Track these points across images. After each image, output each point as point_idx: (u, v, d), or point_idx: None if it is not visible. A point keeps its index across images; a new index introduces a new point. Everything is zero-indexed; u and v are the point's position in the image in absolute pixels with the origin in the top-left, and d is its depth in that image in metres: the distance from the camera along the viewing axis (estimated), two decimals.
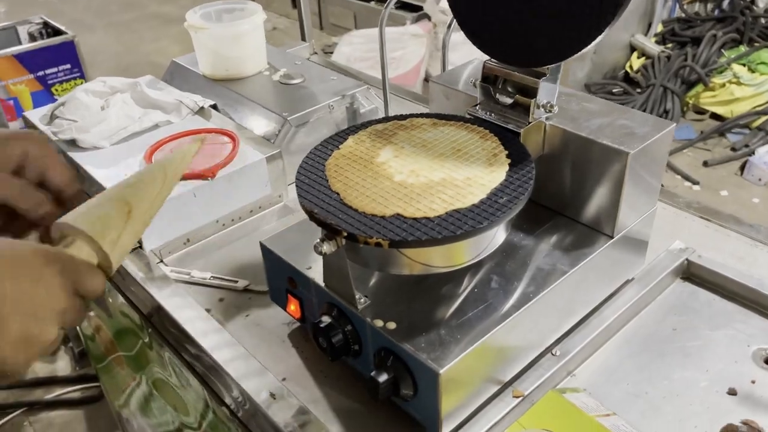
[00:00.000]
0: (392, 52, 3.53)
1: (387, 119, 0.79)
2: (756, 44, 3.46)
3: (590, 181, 0.75)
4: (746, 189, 2.92)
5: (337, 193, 0.67)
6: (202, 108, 1.13)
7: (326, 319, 0.70)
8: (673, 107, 3.31)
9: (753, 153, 3.03)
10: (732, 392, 0.73)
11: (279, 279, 0.78)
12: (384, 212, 0.63)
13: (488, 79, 0.78)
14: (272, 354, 0.79)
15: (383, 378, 0.64)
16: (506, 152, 0.70)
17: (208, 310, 0.86)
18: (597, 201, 0.75)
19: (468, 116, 0.78)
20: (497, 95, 0.77)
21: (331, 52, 3.86)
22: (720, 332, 0.81)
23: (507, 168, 0.68)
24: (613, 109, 0.78)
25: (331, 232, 0.63)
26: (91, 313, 1.32)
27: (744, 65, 3.35)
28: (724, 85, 3.35)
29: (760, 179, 2.93)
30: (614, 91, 3.54)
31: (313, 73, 1.23)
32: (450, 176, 0.67)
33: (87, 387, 2.03)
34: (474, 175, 0.67)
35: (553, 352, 0.76)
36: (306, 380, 0.76)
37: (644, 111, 3.31)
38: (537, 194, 0.77)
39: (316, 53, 1.58)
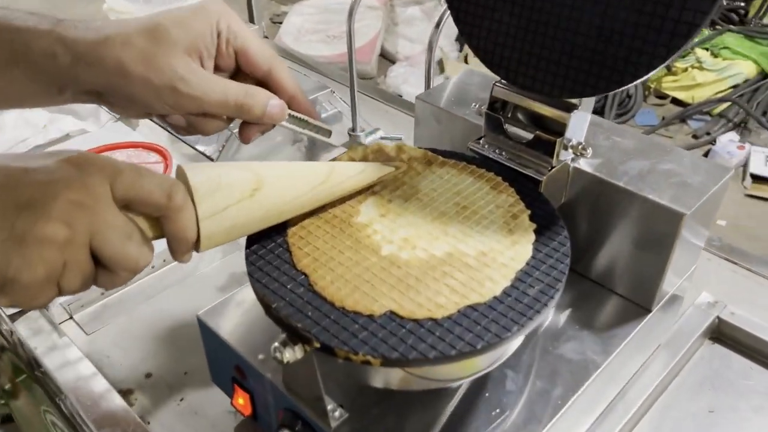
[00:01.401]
0: (344, 24, 3.30)
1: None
2: (718, 27, 3.38)
3: (625, 242, 0.59)
4: None
5: (305, 274, 0.48)
6: None
7: None
8: (636, 92, 3.21)
9: (714, 141, 2.97)
10: None
11: (223, 364, 0.60)
12: (371, 309, 0.45)
13: (497, 106, 0.60)
14: None
15: None
16: (528, 212, 0.53)
17: (129, 392, 0.67)
18: (632, 266, 0.59)
19: (470, 154, 0.61)
20: (508, 127, 0.60)
21: (280, 22, 3.59)
22: (764, 415, 0.67)
23: (533, 237, 0.51)
24: (651, 147, 0.61)
25: (297, 337, 0.45)
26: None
27: (707, 50, 3.27)
28: (686, 69, 3.27)
29: None
30: None
31: None
32: (457, 249, 0.49)
33: None
34: (490, 249, 0.49)
35: None
36: None
37: (606, 95, 3.21)
38: None
39: (266, 37, 1.37)
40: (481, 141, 0.61)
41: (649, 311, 0.60)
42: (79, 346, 0.71)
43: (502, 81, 0.59)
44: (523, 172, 0.57)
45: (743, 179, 2.80)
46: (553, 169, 0.57)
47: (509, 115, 0.60)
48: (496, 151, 0.60)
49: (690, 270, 0.65)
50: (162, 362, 0.70)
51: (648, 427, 0.66)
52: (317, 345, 0.43)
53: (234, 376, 0.59)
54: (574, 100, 0.55)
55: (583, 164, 0.59)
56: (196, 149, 0.88)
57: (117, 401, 0.64)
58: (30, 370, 0.76)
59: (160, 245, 0.44)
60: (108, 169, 0.40)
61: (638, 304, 0.61)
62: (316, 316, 0.45)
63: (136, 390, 0.68)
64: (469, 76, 0.73)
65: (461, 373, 0.48)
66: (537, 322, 0.45)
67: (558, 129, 0.56)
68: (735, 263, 0.83)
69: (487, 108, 0.60)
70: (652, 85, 3.32)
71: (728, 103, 3.10)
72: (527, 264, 0.48)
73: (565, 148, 0.56)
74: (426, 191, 0.55)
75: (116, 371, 0.69)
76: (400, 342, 0.43)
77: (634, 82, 0.49)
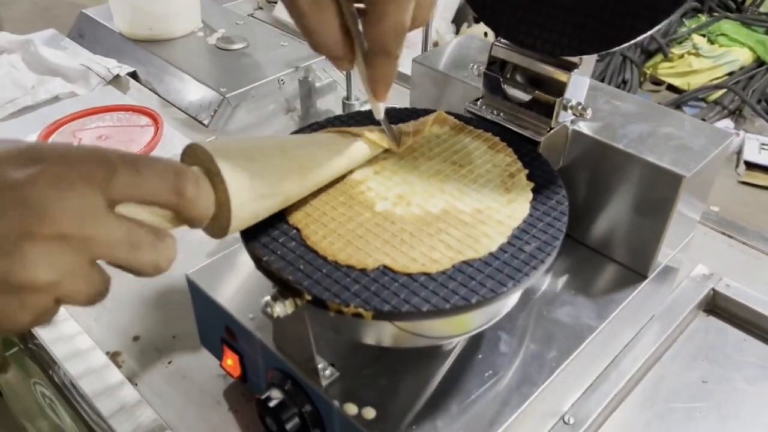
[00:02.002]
0: None
1: (356, 115, 0.59)
2: (716, 14, 3.37)
3: (622, 206, 0.58)
4: None
5: (297, 229, 0.47)
6: (117, 76, 0.90)
7: (276, 395, 0.51)
8: (632, 77, 3.20)
9: None
10: None
11: (212, 325, 0.59)
12: (365, 263, 0.44)
13: (496, 66, 0.59)
14: (202, 420, 0.60)
15: None
16: (526, 171, 0.52)
17: (116, 354, 0.66)
18: (629, 231, 0.59)
19: (468, 114, 0.60)
20: (506, 88, 0.59)
21: (275, 2, 3.56)
22: (758, 386, 0.67)
23: (530, 195, 0.50)
24: (652, 111, 0.60)
25: (288, 291, 0.44)
26: None
27: (704, 36, 3.26)
28: (682, 56, 3.26)
29: None
30: None
31: (258, 36, 1.01)
32: (453, 206, 0.48)
33: None
34: (486, 207, 0.48)
35: (566, 419, 0.60)
36: None
37: (603, 80, 3.20)
38: None
39: (260, 8, 1.34)
40: (478, 102, 0.60)
41: (645, 278, 0.59)
42: (65, 308, 0.70)
43: (502, 40, 0.58)
44: (521, 132, 0.56)
45: (737, 166, 2.80)
46: (552, 131, 0.56)
47: (508, 76, 0.59)
48: (494, 112, 0.59)
49: (686, 240, 0.64)
50: (150, 326, 0.69)
51: (642, 396, 0.66)
52: (308, 298, 0.42)
53: (223, 337, 0.58)
54: (574, 59, 0.54)
55: (583, 127, 0.58)
56: (187, 113, 0.86)
57: (98, 356, 0.63)
58: (22, 342, 0.74)
59: None
60: (98, 175, 0.33)
61: (634, 271, 0.60)
62: (307, 269, 0.44)
63: (123, 352, 0.66)
64: (468, 40, 0.72)
65: (455, 331, 0.47)
66: (533, 279, 0.44)
67: (557, 89, 0.55)
68: (731, 237, 0.82)
69: (486, 68, 0.59)
70: (648, 71, 3.31)
71: (724, 90, 3.09)
72: (524, 221, 0.47)
73: (565, 108, 0.55)
74: (422, 150, 0.54)
75: (104, 334, 0.68)
76: (393, 295, 0.42)
77: (638, 38, 0.48)
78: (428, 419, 0.47)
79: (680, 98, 3.17)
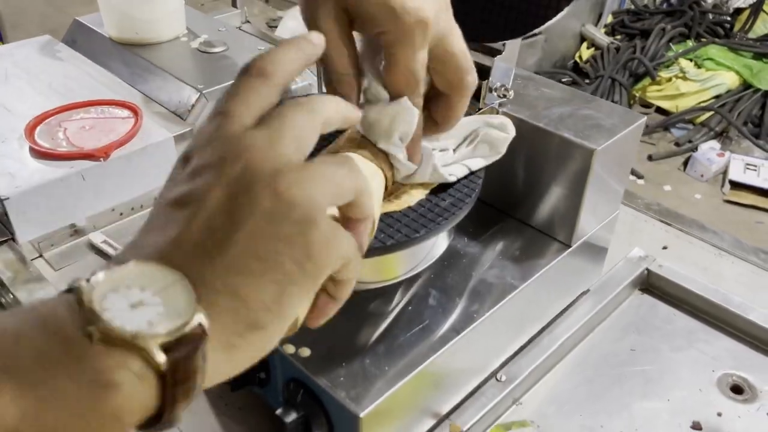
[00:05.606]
0: None
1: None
2: (703, 40, 3.46)
3: (546, 180, 0.64)
4: (689, 184, 2.92)
5: None
6: None
7: None
8: (620, 100, 3.28)
9: (696, 149, 3.03)
10: (696, 426, 0.64)
11: None
12: None
13: None
14: None
15: (291, 418, 0.52)
16: None
17: None
18: (553, 204, 0.65)
19: None
20: None
21: (276, 27, 3.66)
22: (682, 354, 0.72)
23: None
24: (574, 96, 0.67)
25: None
26: None
27: (691, 60, 3.35)
28: (670, 79, 3.34)
29: (702, 175, 2.93)
30: (563, 80, 3.49)
31: (238, 41, 1.08)
32: None
33: None
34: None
35: (498, 377, 0.65)
36: (201, 409, 0.63)
37: None
38: (483, 192, 0.66)
39: (248, 22, 1.42)
40: None
41: (569, 246, 0.65)
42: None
43: None
44: None
45: (722, 185, 2.86)
46: (480, 111, 0.62)
47: None
48: None
49: (609, 217, 0.70)
50: None
51: (574, 361, 0.71)
52: None
53: None
54: (497, 46, 0.60)
55: (510, 109, 0.64)
56: (167, 108, 0.93)
57: None
58: None
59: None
60: None
61: (560, 242, 0.66)
62: None
63: None
64: None
65: (381, 276, 0.53)
66: (444, 228, 0.50)
67: (484, 73, 0.61)
68: (669, 224, 0.88)
69: None
70: (637, 94, 3.39)
71: (710, 113, 3.16)
72: (442, 183, 0.54)
73: (491, 91, 0.62)
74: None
75: None
76: None
77: (544, 25, 0.55)
78: (357, 358, 0.53)
79: (668, 120, 3.24)
